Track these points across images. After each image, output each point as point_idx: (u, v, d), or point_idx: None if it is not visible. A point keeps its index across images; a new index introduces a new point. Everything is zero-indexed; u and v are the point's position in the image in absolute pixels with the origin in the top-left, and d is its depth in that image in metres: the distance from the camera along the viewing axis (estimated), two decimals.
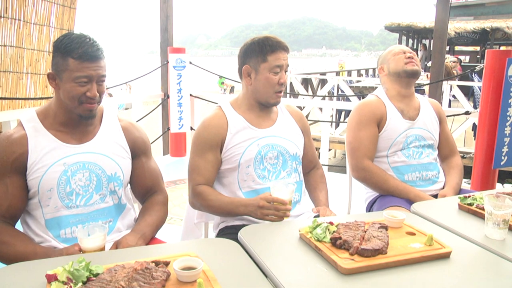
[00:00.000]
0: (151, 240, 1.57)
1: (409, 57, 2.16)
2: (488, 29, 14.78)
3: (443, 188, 2.15)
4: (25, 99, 3.49)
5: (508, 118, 3.31)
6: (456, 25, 15.30)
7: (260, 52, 1.76)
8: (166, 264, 1.14)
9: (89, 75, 1.44)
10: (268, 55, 1.75)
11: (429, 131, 2.20)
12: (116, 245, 1.46)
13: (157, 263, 1.13)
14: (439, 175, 2.19)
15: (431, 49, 5.68)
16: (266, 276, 1.15)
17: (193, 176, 1.80)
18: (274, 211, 1.58)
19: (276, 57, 1.75)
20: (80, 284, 1.03)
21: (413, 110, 2.19)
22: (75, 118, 1.52)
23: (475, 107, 7.47)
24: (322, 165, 2.20)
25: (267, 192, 1.63)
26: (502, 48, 16.35)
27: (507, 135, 3.33)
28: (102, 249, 1.34)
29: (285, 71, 1.80)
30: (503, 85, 3.25)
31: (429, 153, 2.18)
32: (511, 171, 5.82)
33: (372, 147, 2.13)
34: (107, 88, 1.55)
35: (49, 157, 1.48)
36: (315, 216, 1.75)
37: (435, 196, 2.10)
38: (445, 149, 2.28)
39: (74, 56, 1.42)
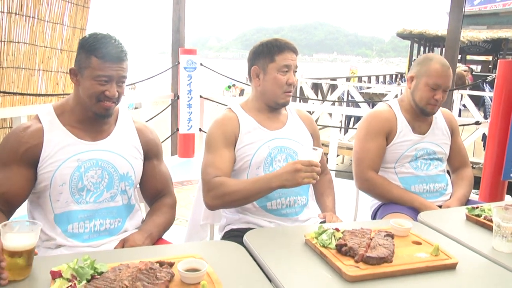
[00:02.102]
0: (157, 240, 1.57)
1: (436, 99, 2.04)
2: (501, 39, 14.64)
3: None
4: (35, 95, 3.52)
5: None
6: (469, 34, 15.18)
7: (268, 52, 1.77)
8: (171, 265, 1.14)
9: (110, 75, 1.46)
10: (276, 55, 1.76)
11: (439, 145, 2.17)
12: (123, 243, 1.47)
13: (161, 264, 1.13)
14: (447, 187, 2.17)
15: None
16: (270, 280, 1.15)
17: (208, 170, 1.71)
18: (310, 172, 1.54)
19: (284, 57, 1.76)
20: (84, 282, 1.03)
21: (425, 126, 2.16)
22: (91, 115, 1.53)
23: (485, 117, 7.40)
24: (330, 170, 2.19)
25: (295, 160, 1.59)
26: None
27: None
28: (31, 251, 1.10)
29: (294, 72, 1.80)
30: None
31: (437, 165, 2.16)
32: None
33: (378, 159, 2.11)
34: None
35: (64, 152, 1.49)
36: (321, 222, 1.74)
37: (441, 207, 2.08)
38: (456, 160, 2.26)
39: (98, 55, 1.45)
